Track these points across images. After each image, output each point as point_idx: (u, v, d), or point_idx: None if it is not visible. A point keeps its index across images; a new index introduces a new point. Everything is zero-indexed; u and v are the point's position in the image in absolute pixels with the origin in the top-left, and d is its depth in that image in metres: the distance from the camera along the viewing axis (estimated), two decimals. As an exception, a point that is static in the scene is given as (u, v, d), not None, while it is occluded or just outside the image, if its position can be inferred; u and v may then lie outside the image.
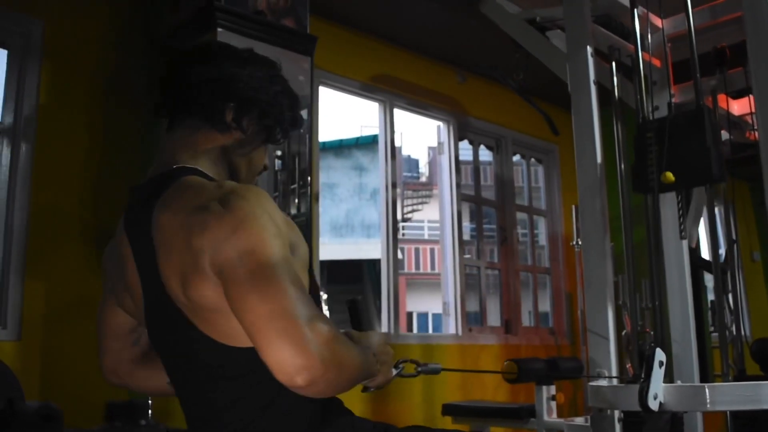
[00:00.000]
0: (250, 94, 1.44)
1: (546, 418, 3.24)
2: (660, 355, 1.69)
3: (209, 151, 1.43)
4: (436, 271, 5.57)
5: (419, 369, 1.63)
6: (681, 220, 2.16)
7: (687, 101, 2.64)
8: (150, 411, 2.75)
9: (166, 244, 1.27)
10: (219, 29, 3.17)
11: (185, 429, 1.41)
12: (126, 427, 2.49)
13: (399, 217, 5.02)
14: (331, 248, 12.97)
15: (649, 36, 2.48)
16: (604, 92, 2.32)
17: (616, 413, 1.99)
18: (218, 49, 1.49)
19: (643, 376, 1.66)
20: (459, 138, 5.18)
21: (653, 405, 1.64)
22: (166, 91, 1.48)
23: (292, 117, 1.54)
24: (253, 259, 1.18)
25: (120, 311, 1.54)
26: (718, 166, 1.90)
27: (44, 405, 2.04)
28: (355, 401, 1.55)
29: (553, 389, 3.26)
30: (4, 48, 3.25)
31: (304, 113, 3.38)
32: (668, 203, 2.51)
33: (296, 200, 3.35)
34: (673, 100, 2.60)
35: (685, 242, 2.46)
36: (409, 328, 14.77)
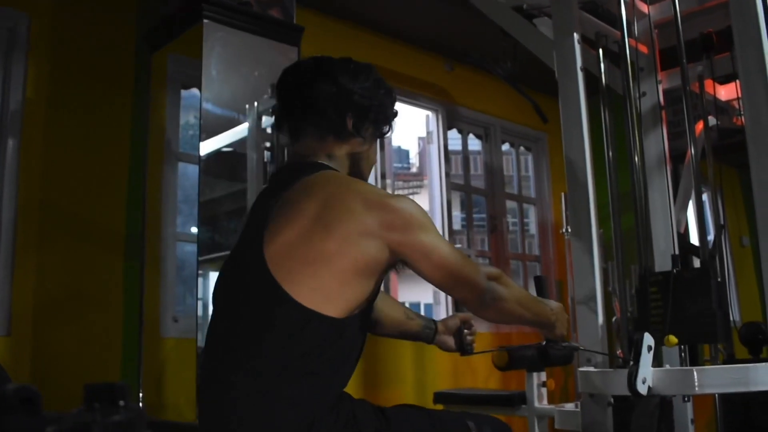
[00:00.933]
0: (365, 104, 1.67)
1: (537, 404, 3.25)
2: (648, 339, 1.70)
3: (336, 156, 1.67)
4: (427, 260, 5.63)
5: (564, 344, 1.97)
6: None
7: (674, 87, 2.65)
8: (141, 395, 2.75)
9: (306, 207, 1.50)
10: (205, 21, 3.16)
11: (175, 421, 1.43)
12: (104, 409, 2.48)
13: (389, 207, 5.00)
14: (321, 239, 12.94)
15: (636, 22, 2.48)
16: (592, 79, 2.32)
17: (607, 398, 2.00)
18: (328, 63, 1.70)
19: (632, 360, 1.68)
20: (448, 127, 5.18)
21: (642, 389, 1.66)
22: (287, 107, 1.72)
23: (395, 112, 1.80)
24: (436, 253, 1.54)
25: None
26: (723, 330, 1.87)
27: (22, 387, 2.03)
28: (347, 389, 1.57)
29: (543, 376, 3.28)
30: (-12, 42, 3.23)
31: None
32: (657, 188, 2.52)
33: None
34: (661, 86, 2.61)
35: (674, 227, 2.47)
36: (401, 318, 14.78)
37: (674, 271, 1.91)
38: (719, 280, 1.89)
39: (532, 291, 2.06)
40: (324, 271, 1.46)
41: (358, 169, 1.71)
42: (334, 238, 1.47)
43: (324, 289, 1.46)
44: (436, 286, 1.67)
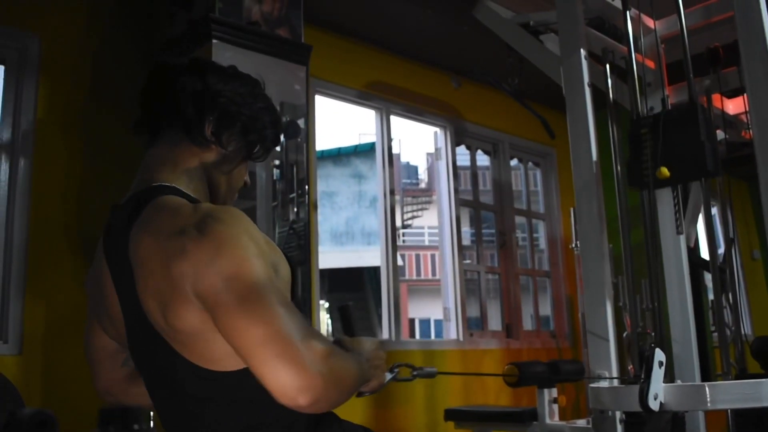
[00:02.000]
0: (231, 109, 1.42)
1: (548, 421, 3.24)
2: (660, 355, 1.69)
3: (188, 168, 1.41)
4: (437, 277, 5.62)
5: (414, 373, 1.62)
6: (677, 215, 2.17)
7: (681, 102, 2.65)
8: (151, 417, 2.75)
9: (143, 269, 1.24)
10: (214, 41, 3.18)
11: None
12: (119, 433, 2.48)
13: (399, 223, 5.02)
14: (331, 256, 12.96)
15: (642, 38, 2.49)
16: (599, 94, 2.33)
17: (618, 414, 1.99)
18: (202, 63, 1.47)
19: (643, 376, 1.67)
20: (456, 143, 5.18)
21: (654, 405, 1.65)
22: (146, 104, 1.47)
23: (274, 134, 1.52)
24: (238, 283, 1.16)
25: (104, 334, 1.50)
26: (713, 160, 1.90)
27: (38, 411, 2.04)
28: (357, 408, 1.56)
29: (554, 392, 3.26)
30: (1, 64, 3.26)
31: (300, 122, 3.38)
32: (665, 202, 2.51)
33: (295, 209, 3.36)
34: (668, 101, 2.61)
35: (683, 241, 2.47)
36: (412, 335, 14.76)
37: (663, 109, 1.93)
38: (706, 115, 1.93)
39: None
40: (196, 338, 1.23)
41: (215, 188, 1.47)
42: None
43: (217, 351, 1.23)
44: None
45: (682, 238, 2.47)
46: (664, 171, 1.81)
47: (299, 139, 3.39)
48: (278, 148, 3.33)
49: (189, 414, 1.30)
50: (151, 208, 1.29)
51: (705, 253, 2.82)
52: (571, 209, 4.69)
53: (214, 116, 1.41)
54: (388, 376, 1.54)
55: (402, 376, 1.60)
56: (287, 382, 1.12)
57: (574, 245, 4.69)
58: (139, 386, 1.52)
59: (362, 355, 1.41)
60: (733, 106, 2.89)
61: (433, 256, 16.37)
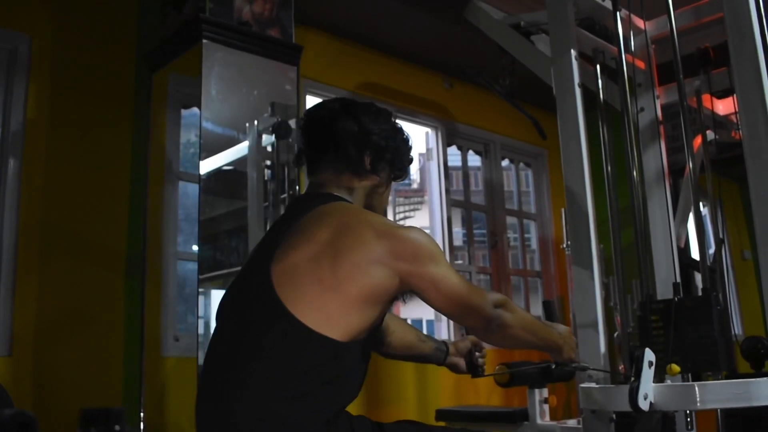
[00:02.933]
0: (382, 144, 1.75)
1: (539, 421, 3.24)
2: (650, 355, 1.70)
3: (352, 191, 1.74)
4: (429, 277, 5.65)
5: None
6: None
7: (672, 102, 2.65)
8: (142, 415, 2.75)
9: (324, 231, 1.54)
10: (205, 41, 3.18)
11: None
12: (100, 433, 2.48)
13: (390, 224, 5.00)
14: (323, 257, 12.93)
15: (633, 38, 2.49)
16: (590, 95, 2.33)
17: (608, 414, 1.99)
18: (353, 106, 1.77)
19: (633, 376, 1.67)
20: (447, 144, 5.19)
21: (644, 405, 1.65)
22: (311, 142, 1.79)
23: (412, 159, 1.87)
24: (444, 283, 1.58)
25: None
26: (726, 357, 1.86)
27: (19, 412, 2.05)
28: (350, 407, 1.57)
29: (545, 392, 3.26)
30: (-10, 63, 3.25)
31: (291, 123, 3.38)
32: (656, 203, 2.52)
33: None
34: (658, 101, 2.61)
35: (674, 242, 2.47)
36: (403, 335, 14.72)
37: (675, 299, 1.90)
38: (721, 303, 1.88)
39: (539, 312, 2.09)
40: (330, 294, 1.48)
41: (371, 206, 1.76)
42: (343, 264, 1.50)
43: (328, 311, 1.47)
44: (444, 315, 1.73)
45: (673, 238, 2.48)
46: (675, 368, 1.79)
47: (290, 140, 3.38)
48: (269, 149, 3.33)
49: (247, 358, 1.47)
50: (333, 204, 1.65)
51: (695, 253, 2.82)
52: (562, 210, 4.69)
53: (370, 152, 1.74)
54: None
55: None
56: (479, 323, 1.67)
57: (565, 246, 4.69)
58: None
59: (556, 328, 1.93)
60: (723, 107, 2.89)
61: (425, 257, 16.34)
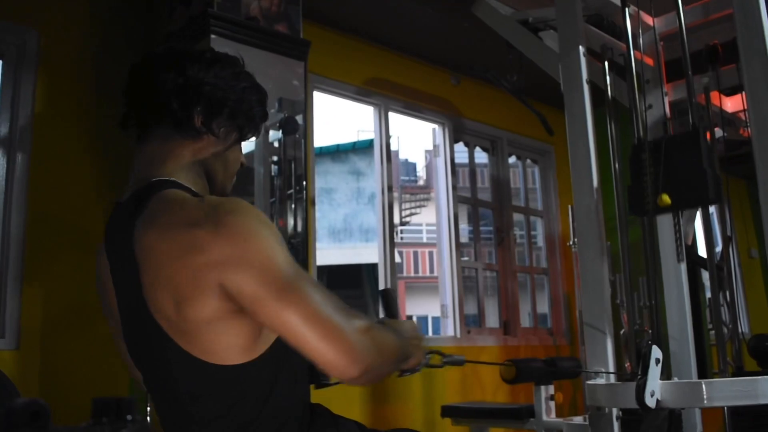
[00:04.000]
0: (217, 95, 1.41)
1: (545, 417, 3.24)
2: (656, 352, 1.70)
3: (183, 161, 1.40)
4: (435, 274, 5.65)
5: (445, 360, 1.68)
6: (678, 241, 2.17)
7: (680, 99, 2.65)
8: (148, 409, 2.75)
9: (153, 262, 1.24)
10: (212, 36, 3.18)
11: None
12: (112, 423, 2.48)
13: (396, 220, 5.02)
14: (329, 253, 12.97)
15: (641, 35, 2.49)
16: (598, 91, 2.32)
17: (615, 411, 1.99)
18: (181, 53, 1.44)
19: (640, 373, 1.67)
20: (454, 140, 5.18)
21: (650, 402, 1.65)
22: (131, 102, 1.45)
23: (262, 111, 1.51)
24: (271, 275, 1.19)
25: None
26: (715, 189, 1.89)
27: (32, 401, 2.05)
28: (354, 404, 1.56)
29: (551, 389, 3.26)
30: (-1, 58, 3.27)
31: (299, 118, 3.38)
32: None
33: (293, 206, 3.35)
34: (667, 98, 2.61)
35: (681, 240, 2.47)
36: (409, 332, 14.73)
37: (665, 135, 1.93)
38: (708, 142, 1.92)
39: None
40: (206, 329, 1.24)
41: (212, 175, 1.46)
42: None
43: (222, 343, 1.25)
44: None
45: (681, 235, 2.47)
46: (666, 198, 1.81)
47: (297, 136, 3.39)
48: (276, 144, 3.33)
49: (184, 409, 1.30)
50: (154, 202, 1.29)
51: (703, 251, 2.82)
52: (569, 207, 4.70)
53: (201, 107, 1.39)
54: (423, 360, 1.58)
55: (433, 363, 1.64)
56: (335, 359, 1.18)
57: (571, 243, 4.69)
58: None
59: (402, 333, 1.47)
60: (732, 104, 2.89)
61: (431, 254, 16.39)
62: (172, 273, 1.22)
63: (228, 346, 1.23)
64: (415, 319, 16.23)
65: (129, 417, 2.49)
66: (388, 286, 4.52)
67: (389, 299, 1.65)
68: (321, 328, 1.18)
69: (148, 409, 3.05)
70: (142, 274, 1.26)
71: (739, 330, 2.43)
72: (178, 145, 1.40)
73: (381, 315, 1.67)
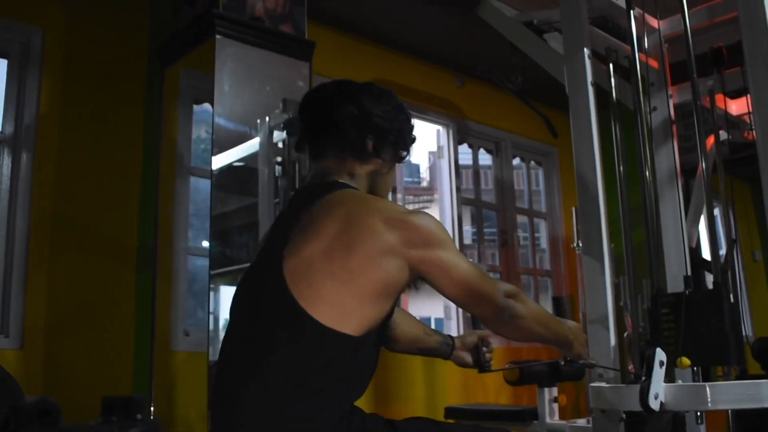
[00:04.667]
0: (385, 126, 1.71)
1: (548, 420, 3.24)
2: (660, 354, 1.69)
3: (356, 176, 1.70)
4: (438, 275, 5.66)
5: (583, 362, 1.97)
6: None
7: (685, 102, 2.64)
8: (152, 409, 2.76)
9: (334, 223, 1.51)
10: (218, 36, 3.18)
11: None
12: (122, 422, 2.49)
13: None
14: (332, 254, 12.92)
15: (646, 37, 2.49)
16: (602, 94, 2.32)
17: (618, 414, 1.99)
18: (354, 87, 1.74)
19: (644, 376, 1.67)
20: (458, 142, 5.18)
21: (654, 405, 1.65)
22: (310, 127, 1.74)
23: (414, 138, 1.83)
24: (455, 270, 1.56)
25: None
26: (737, 352, 1.84)
27: (41, 399, 2.06)
28: (358, 404, 1.57)
29: (555, 391, 3.26)
30: (4, 57, 3.26)
31: (303, 119, 3.38)
32: (668, 203, 2.51)
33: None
34: (671, 100, 2.60)
35: (685, 242, 2.46)
36: (412, 333, 14.73)
37: (686, 292, 1.89)
38: (732, 300, 1.87)
39: (549, 308, 2.08)
40: (343, 288, 1.46)
41: (375, 190, 1.74)
42: (355, 256, 1.48)
43: (341, 307, 1.46)
44: (455, 303, 1.70)
45: (685, 238, 2.47)
46: (686, 361, 1.78)
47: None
48: (280, 145, 3.33)
49: (259, 355, 1.47)
50: (339, 194, 1.60)
51: (706, 254, 2.81)
52: (573, 209, 4.68)
53: (372, 135, 1.69)
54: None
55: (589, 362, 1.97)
56: (489, 313, 1.64)
57: (575, 245, 4.68)
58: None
59: (566, 323, 1.90)
60: (737, 107, 2.88)
61: (434, 255, 16.32)
62: (357, 233, 1.49)
63: (348, 310, 1.47)
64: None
65: (139, 416, 2.50)
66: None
67: (560, 306, 2.21)
68: (481, 294, 1.60)
69: (152, 408, 3.06)
70: (312, 230, 1.53)
71: (743, 333, 2.42)
72: (350, 164, 1.70)
73: None
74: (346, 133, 1.68)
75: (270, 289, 1.52)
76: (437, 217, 1.73)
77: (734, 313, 1.86)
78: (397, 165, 1.83)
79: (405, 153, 1.80)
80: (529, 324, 1.71)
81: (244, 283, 1.67)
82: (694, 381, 2.04)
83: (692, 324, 1.86)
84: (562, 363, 1.97)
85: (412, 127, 1.82)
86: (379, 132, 1.70)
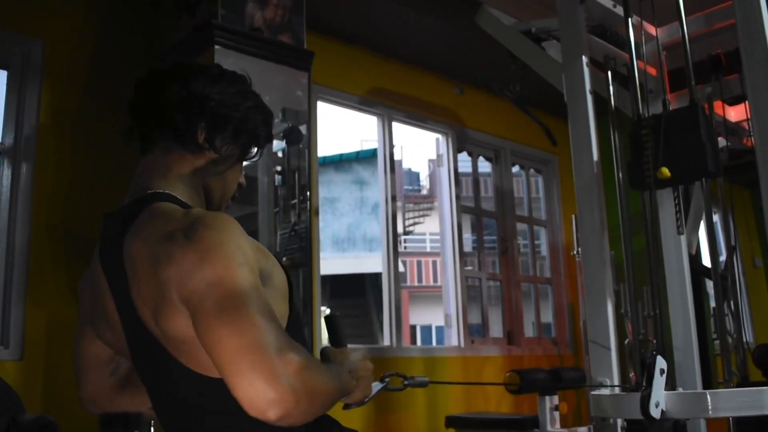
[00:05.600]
0: (221, 112, 1.40)
1: (549, 428, 3.23)
2: (661, 362, 1.69)
3: (182, 174, 1.40)
4: (439, 283, 5.63)
5: (406, 382, 1.61)
6: (678, 215, 2.16)
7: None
8: (152, 424, 2.75)
9: (136, 275, 1.23)
10: (217, 47, 3.19)
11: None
12: (120, 438, 2.47)
13: (400, 230, 5.02)
14: (333, 262, 12.94)
15: (644, 45, 2.49)
16: (601, 101, 2.33)
17: (619, 422, 1.99)
18: (187, 68, 1.44)
19: (644, 384, 1.67)
20: (458, 150, 5.19)
21: (655, 413, 1.64)
22: (136, 114, 1.45)
23: (267, 132, 1.50)
24: (219, 290, 1.14)
25: (98, 341, 1.49)
26: (714, 162, 1.90)
27: (40, 417, 2.05)
28: (356, 414, 1.56)
29: (556, 399, 3.25)
30: (4, 69, 3.27)
31: (302, 128, 3.39)
32: (666, 207, 2.51)
33: (296, 215, 3.36)
34: (670, 107, 2.61)
35: (685, 248, 2.46)
36: (413, 341, 14.73)
37: (664, 110, 1.93)
38: (730, 303, 1.89)
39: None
40: (189, 342, 1.21)
41: (210, 193, 1.45)
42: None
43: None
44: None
45: (684, 244, 2.47)
46: (665, 171, 1.82)
47: (301, 145, 3.39)
48: (280, 154, 3.34)
49: (186, 421, 1.29)
50: (144, 214, 1.28)
51: (706, 261, 2.81)
52: (573, 216, 4.69)
53: (204, 122, 1.38)
54: (378, 386, 1.51)
55: (393, 386, 1.58)
56: (257, 395, 1.08)
57: (575, 252, 4.69)
58: (126, 395, 1.55)
59: (345, 366, 1.39)
60: (735, 114, 2.89)
61: (434, 263, 16.34)
62: (148, 286, 1.21)
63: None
64: (419, 329, 16.19)
65: (136, 432, 2.49)
66: (392, 295, 4.51)
67: (335, 326, 1.53)
68: (251, 357, 1.09)
69: (152, 421, 3.05)
70: (131, 288, 1.25)
71: (744, 340, 2.42)
72: (178, 159, 1.40)
73: (325, 343, 1.55)
74: (173, 119, 1.37)
75: (160, 364, 1.28)
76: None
77: (709, 126, 1.93)
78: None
79: (251, 149, 1.48)
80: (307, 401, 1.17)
81: (132, 351, 1.38)
82: (673, 189, 2.09)
83: (671, 141, 1.91)
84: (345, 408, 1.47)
85: (265, 118, 1.49)
86: (215, 119, 1.39)
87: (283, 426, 1.12)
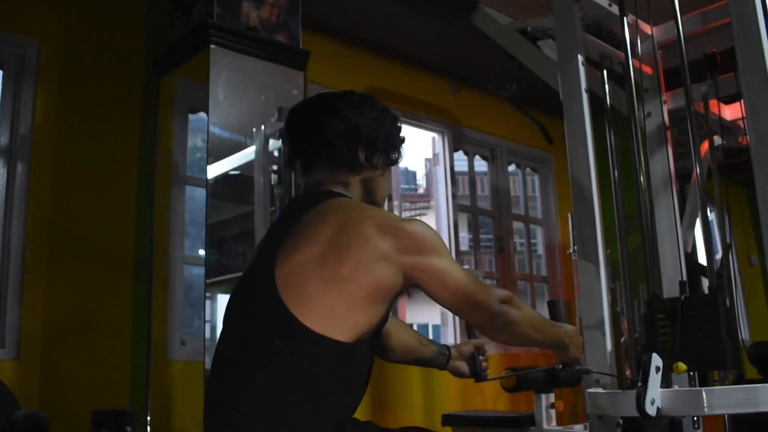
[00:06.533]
0: (373, 135, 1.70)
1: (546, 426, 3.22)
2: (657, 360, 1.69)
3: (349, 186, 1.70)
4: (435, 282, 5.68)
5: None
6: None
7: (679, 107, 2.65)
8: (149, 419, 2.76)
9: (326, 230, 1.51)
10: (213, 46, 3.19)
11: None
12: (112, 435, 2.48)
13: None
14: (329, 261, 12.90)
15: (640, 43, 2.50)
16: (597, 100, 2.33)
17: (615, 419, 1.99)
18: (334, 101, 1.73)
19: (640, 381, 1.67)
20: (454, 149, 5.19)
21: (651, 410, 1.65)
22: (298, 144, 1.74)
23: (403, 138, 1.81)
24: (449, 277, 1.55)
25: None
26: (733, 357, 1.84)
27: (32, 414, 2.06)
28: (356, 411, 1.57)
29: (552, 397, 3.25)
30: (-1, 69, 3.27)
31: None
32: (663, 208, 2.52)
33: (293, 214, 3.35)
34: (665, 106, 2.61)
35: (681, 247, 2.47)
36: (409, 340, 14.70)
37: (682, 297, 1.89)
38: (728, 305, 1.87)
39: (545, 313, 2.07)
40: (335, 294, 1.45)
41: (371, 197, 1.74)
42: (347, 262, 1.47)
43: (334, 313, 1.45)
44: (449, 310, 1.70)
45: (680, 243, 2.47)
46: (682, 367, 1.77)
47: (297, 145, 3.38)
48: (276, 154, 3.33)
49: (253, 364, 1.47)
50: (332, 201, 1.61)
51: (702, 259, 2.82)
52: (569, 215, 4.69)
53: (363, 146, 1.69)
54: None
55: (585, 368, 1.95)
56: (483, 319, 1.63)
57: (571, 251, 4.69)
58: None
59: (562, 327, 1.87)
60: (731, 112, 2.89)
61: (431, 262, 16.30)
62: (350, 239, 1.49)
63: (339, 314, 1.46)
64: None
65: (129, 429, 2.50)
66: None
67: (555, 309, 2.14)
68: (475, 300, 1.59)
69: (149, 418, 3.05)
70: (302, 237, 1.53)
71: (740, 337, 2.43)
72: (343, 175, 1.70)
73: None
74: (337, 149, 1.68)
75: (261, 296, 1.51)
76: (433, 225, 1.74)
77: (730, 317, 1.85)
78: (394, 170, 1.84)
79: (396, 156, 1.79)
80: (524, 329, 1.70)
81: (237, 290, 1.66)
82: (690, 386, 2.04)
83: (688, 329, 1.85)
84: (560, 367, 1.94)
85: (399, 128, 1.81)
86: (369, 142, 1.70)
87: (503, 340, 1.74)
